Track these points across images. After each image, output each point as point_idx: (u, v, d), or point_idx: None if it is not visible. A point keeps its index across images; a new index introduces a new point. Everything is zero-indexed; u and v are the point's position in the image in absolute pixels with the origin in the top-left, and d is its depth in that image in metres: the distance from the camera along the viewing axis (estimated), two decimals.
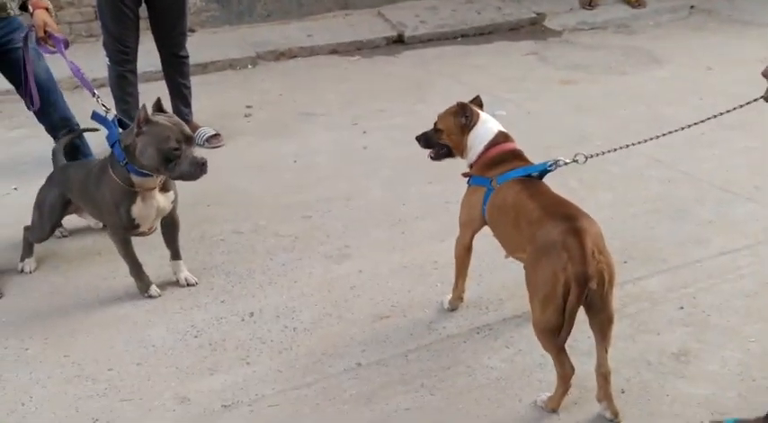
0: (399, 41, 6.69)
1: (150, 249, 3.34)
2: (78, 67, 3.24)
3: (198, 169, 2.84)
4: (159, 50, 4.56)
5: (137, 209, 2.99)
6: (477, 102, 2.91)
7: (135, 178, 2.94)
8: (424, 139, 2.95)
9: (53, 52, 3.35)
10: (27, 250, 3.45)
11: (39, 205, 3.38)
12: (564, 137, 4.62)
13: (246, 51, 6.27)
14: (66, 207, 3.34)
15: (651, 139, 2.73)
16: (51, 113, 3.49)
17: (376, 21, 7.00)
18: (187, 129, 2.91)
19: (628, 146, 2.75)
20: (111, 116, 3.05)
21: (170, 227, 3.23)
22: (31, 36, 3.33)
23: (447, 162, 4.07)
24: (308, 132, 4.88)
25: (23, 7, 3.33)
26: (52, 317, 3.08)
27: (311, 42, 6.49)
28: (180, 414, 2.55)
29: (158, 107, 2.96)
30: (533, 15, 7.13)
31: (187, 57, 4.63)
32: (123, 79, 4.41)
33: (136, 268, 3.18)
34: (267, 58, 6.27)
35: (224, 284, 3.27)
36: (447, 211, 3.77)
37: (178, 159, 2.81)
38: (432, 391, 2.62)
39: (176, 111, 4.70)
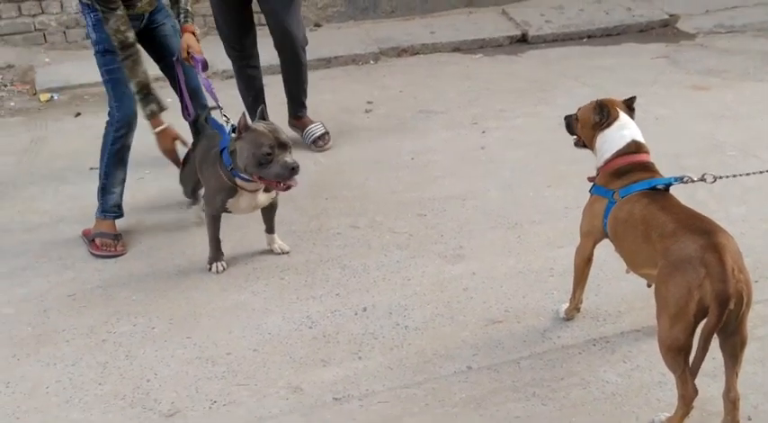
0: (523, 41, 6.58)
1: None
2: (210, 83, 3.60)
3: (288, 172, 3.02)
4: (276, 47, 4.50)
5: (233, 201, 3.28)
6: (629, 102, 2.76)
7: (239, 181, 3.19)
8: (567, 123, 2.92)
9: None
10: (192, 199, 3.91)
11: (183, 165, 3.74)
12: (694, 145, 4.41)
13: (369, 47, 6.34)
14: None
15: None
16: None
17: (500, 19, 6.91)
18: (282, 136, 3.08)
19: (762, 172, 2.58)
20: (228, 126, 3.32)
21: (269, 208, 3.48)
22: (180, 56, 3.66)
23: (567, 167, 4.01)
24: (426, 130, 4.88)
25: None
26: (177, 299, 3.23)
27: (434, 39, 6.48)
28: (293, 403, 2.62)
29: (261, 115, 3.23)
30: (666, 17, 6.84)
31: (300, 56, 4.48)
32: (243, 74, 4.51)
33: (215, 243, 3.43)
34: (389, 55, 6.32)
35: (339, 278, 3.33)
36: (566, 216, 3.68)
37: (270, 163, 3.01)
38: (543, 401, 2.57)
39: (290, 107, 4.71)
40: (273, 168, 3.02)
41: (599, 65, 5.94)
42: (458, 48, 6.44)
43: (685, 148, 4.33)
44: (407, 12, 7.00)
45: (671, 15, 6.87)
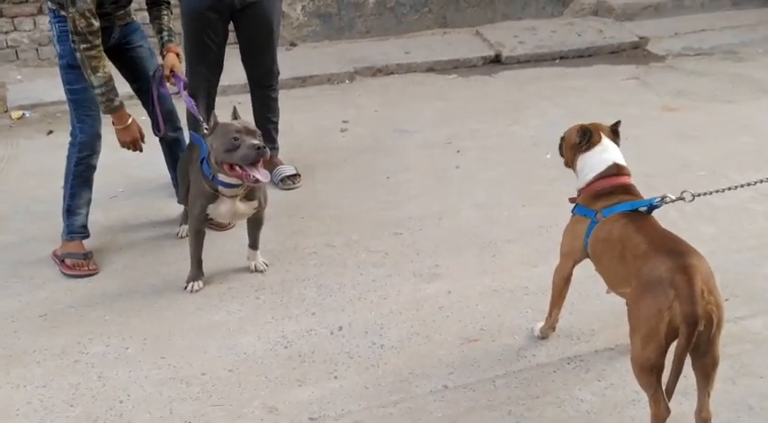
0: (497, 61, 6.65)
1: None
2: (192, 101, 3.64)
3: (254, 152, 3.04)
4: (248, 81, 4.35)
5: (213, 207, 3.30)
6: (614, 127, 2.78)
7: (219, 187, 3.24)
8: (559, 144, 2.93)
9: (176, 93, 3.73)
10: (183, 217, 3.84)
11: (179, 169, 3.75)
12: (665, 165, 4.48)
13: (345, 66, 6.37)
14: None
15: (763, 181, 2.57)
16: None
17: (474, 40, 6.99)
18: (251, 126, 3.16)
19: (742, 185, 2.59)
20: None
21: (254, 223, 3.51)
22: (159, 74, 3.66)
23: (541, 186, 4.06)
24: (401, 149, 4.91)
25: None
26: (151, 319, 3.20)
27: (408, 59, 6.53)
28: None
29: (233, 115, 3.30)
30: (636, 39, 6.97)
31: (274, 90, 4.35)
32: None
33: (196, 259, 3.42)
34: (364, 74, 6.35)
35: (315, 297, 3.32)
36: (540, 235, 3.72)
37: (237, 148, 3.06)
38: (519, 420, 2.58)
39: None
40: (240, 151, 3.05)
41: (571, 86, 6.02)
42: (432, 68, 6.49)
43: (656, 168, 4.40)
44: (382, 32, 7.05)
45: (641, 38, 7.00)
